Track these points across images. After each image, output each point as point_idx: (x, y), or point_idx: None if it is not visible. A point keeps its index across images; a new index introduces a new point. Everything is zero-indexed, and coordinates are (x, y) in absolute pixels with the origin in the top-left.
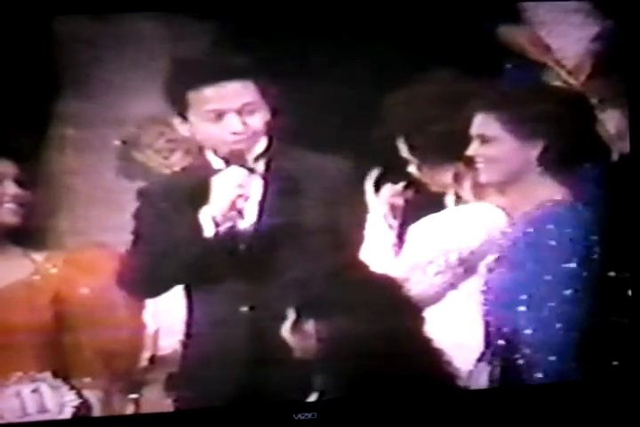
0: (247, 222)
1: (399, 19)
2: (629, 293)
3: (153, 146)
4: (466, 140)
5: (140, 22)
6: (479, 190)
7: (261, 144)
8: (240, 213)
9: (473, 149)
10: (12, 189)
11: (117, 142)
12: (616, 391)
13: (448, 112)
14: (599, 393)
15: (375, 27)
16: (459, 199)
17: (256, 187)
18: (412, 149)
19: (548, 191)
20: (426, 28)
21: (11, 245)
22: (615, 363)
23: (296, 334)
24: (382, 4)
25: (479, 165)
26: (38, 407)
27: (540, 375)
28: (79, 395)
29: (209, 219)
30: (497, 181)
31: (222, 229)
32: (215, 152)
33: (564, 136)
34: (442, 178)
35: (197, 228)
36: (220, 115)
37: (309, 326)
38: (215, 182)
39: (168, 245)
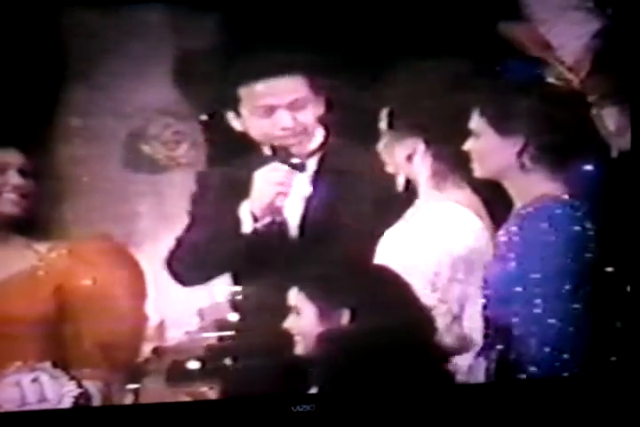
0: (290, 219)
1: (403, 14)
2: (628, 288)
3: (159, 137)
4: (442, 125)
5: (147, 13)
6: (441, 182)
7: (316, 140)
8: (279, 210)
9: (467, 144)
10: (15, 179)
11: (124, 133)
12: (614, 387)
13: (436, 96)
14: (597, 389)
15: (379, 20)
16: (408, 182)
17: (301, 184)
18: (389, 117)
19: (543, 187)
20: (429, 21)
21: (14, 235)
22: (613, 359)
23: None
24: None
25: (473, 160)
26: (38, 397)
27: (538, 371)
28: (79, 385)
29: (248, 214)
30: (486, 176)
31: (260, 225)
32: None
33: (548, 132)
34: (399, 154)
35: (238, 221)
36: (270, 110)
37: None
38: (257, 178)
39: (214, 234)
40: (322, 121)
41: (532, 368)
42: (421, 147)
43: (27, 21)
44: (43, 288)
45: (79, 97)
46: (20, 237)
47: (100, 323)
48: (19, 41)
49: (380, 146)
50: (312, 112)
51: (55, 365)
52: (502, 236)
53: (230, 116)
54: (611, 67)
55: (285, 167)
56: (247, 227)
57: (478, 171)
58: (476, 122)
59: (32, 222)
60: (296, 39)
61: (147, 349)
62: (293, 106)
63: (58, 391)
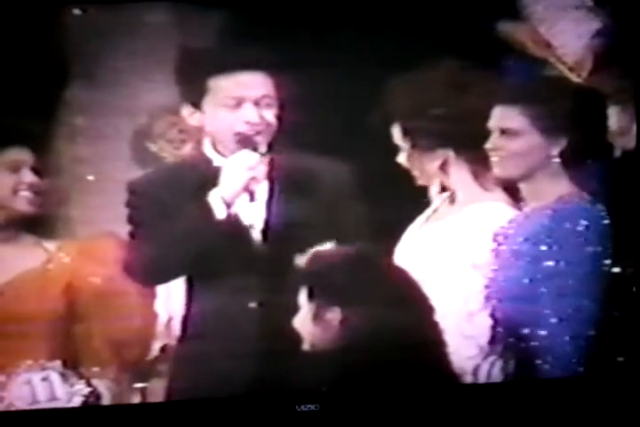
0: (255, 217)
1: (404, 14)
2: (634, 289)
3: (165, 136)
4: (462, 129)
5: (151, 12)
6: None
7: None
8: (252, 195)
9: (492, 142)
10: (29, 177)
11: (130, 132)
12: (621, 387)
13: (445, 99)
14: (604, 389)
15: (380, 21)
16: (444, 190)
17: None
18: (405, 133)
19: (559, 187)
20: (429, 22)
21: (24, 233)
22: (620, 359)
23: (318, 323)
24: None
25: (495, 159)
26: (48, 396)
27: (544, 370)
28: (88, 384)
29: (219, 201)
30: (514, 175)
31: (233, 211)
32: (218, 144)
33: (584, 132)
34: (429, 166)
35: (206, 214)
36: (239, 103)
37: (334, 314)
38: (227, 165)
39: (175, 234)
40: (286, 122)
41: (539, 369)
42: (451, 154)
43: (31, 21)
44: (52, 287)
45: (84, 96)
46: (30, 236)
47: (109, 321)
48: (24, 41)
49: (402, 159)
50: (274, 113)
51: (65, 364)
52: (514, 236)
53: (187, 111)
54: (612, 66)
55: (255, 154)
56: (221, 213)
57: (505, 170)
58: (507, 120)
59: (41, 221)
60: (274, 37)
61: (158, 347)
62: (261, 102)
63: (68, 390)
